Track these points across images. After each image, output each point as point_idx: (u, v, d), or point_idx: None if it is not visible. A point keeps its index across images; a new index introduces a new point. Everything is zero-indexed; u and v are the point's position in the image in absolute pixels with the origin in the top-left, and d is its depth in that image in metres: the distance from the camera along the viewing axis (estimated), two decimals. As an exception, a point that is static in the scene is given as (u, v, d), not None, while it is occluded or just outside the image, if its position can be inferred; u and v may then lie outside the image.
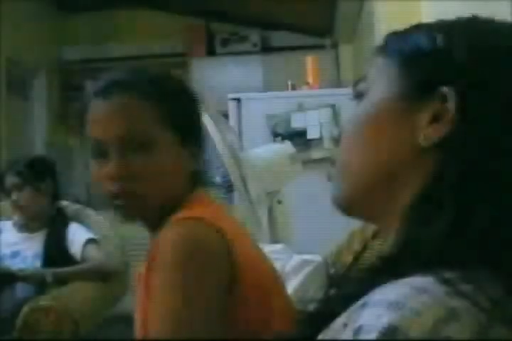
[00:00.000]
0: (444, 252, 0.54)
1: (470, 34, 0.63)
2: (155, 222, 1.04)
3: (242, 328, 0.94)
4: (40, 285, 2.59)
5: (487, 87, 0.59)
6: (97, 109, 1.03)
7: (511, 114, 0.58)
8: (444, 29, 0.64)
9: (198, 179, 1.10)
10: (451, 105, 0.60)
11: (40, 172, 2.82)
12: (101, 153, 1.02)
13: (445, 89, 0.60)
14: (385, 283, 0.53)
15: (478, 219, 0.55)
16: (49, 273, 2.62)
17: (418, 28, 0.67)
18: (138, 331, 1.03)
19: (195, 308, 0.90)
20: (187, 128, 1.07)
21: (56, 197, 2.90)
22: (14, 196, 2.75)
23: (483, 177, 0.57)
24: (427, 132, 0.61)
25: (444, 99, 0.60)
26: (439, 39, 0.63)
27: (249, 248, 1.02)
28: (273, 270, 1.06)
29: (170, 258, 0.92)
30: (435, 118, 0.61)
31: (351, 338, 0.49)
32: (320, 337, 0.56)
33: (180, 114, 1.06)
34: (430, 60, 0.62)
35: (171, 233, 0.95)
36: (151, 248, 0.98)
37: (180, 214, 0.98)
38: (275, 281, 1.04)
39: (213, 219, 0.97)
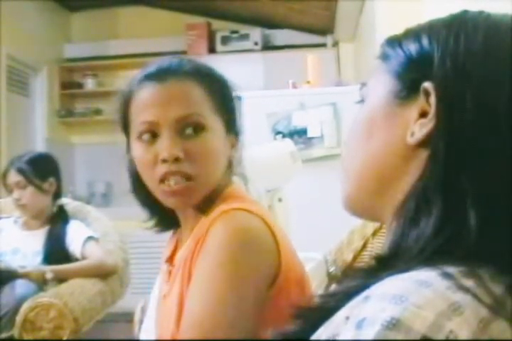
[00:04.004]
0: (433, 249, 0.55)
1: (450, 34, 0.63)
2: (197, 208, 1.05)
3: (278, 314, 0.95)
4: (40, 282, 2.59)
5: (463, 83, 0.60)
6: (151, 92, 1.03)
7: (489, 110, 0.58)
8: (429, 31, 0.66)
9: (233, 169, 1.12)
10: (433, 99, 0.61)
11: (43, 171, 2.80)
12: (152, 135, 1.02)
13: (427, 83, 0.61)
14: (387, 277, 0.54)
15: (468, 218, 0.56)
16: (49, 270, 2.62)
17: (408, 32, 0.69)
18: (166, 320, 1.03)
19: (242, 297, 0.91)
20: (230, 117, 1.09)
21: (58, 195, 2.89)
22: (16, 194, 2.74)
23: (468, 174, 0.57)
24: (414, 129, 0.62)
25: (427, 94, 0.61)
26: (424, 42, 0.64)
27: (287, 241, 1.03)
28: (303, 266, 1.07)
29: (223, 247, 0.93)
30: (422, 115, 0.62)
31: (353, 331, 0.50)
32: (321, 330, 0.56)
33: (226, 102, 1.08)
34: (417, 62, 0.64)
35: (222, 223, 0.95)
36: (195, 236, 1.00)
37: (228, 205, 0.99)
38: (307, 277, 1.06)
39: (259, 212, 0.99)
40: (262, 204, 1.13)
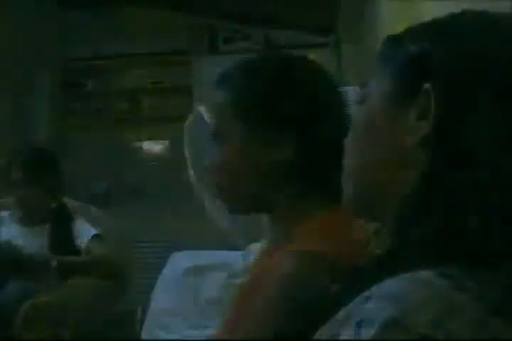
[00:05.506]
0: (433, 250, 0.55)
1: (449, 35, 0.63)
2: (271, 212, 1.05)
3: None
4: (42, 268, 2.57)
5: (464, 84, 0.60)
6: None
7: (488, 109, 0.58)
8: (429, 31, 0.66)
9: (303, 177, 1.02)
10: (433, 100, 0.61)
11: (45, 169, 2.81)
12: None
13: (427, 85, 0.61)
14: (387, 277, 0.54)
15: (468, 218, 0.56)
16: (54, 257, 2.60)
17: (409, 32, 0.68)
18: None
19: None
20: (257, 113, 1.03)
21: (59, 193, 2.89)
22: (19, 191, 2.74)
23: (468, 175, 0.57)
24: (414, 130, 0.62)
25: (427, 94, 0.61)
26: (425, 42, 0.64)
27: None
28: None
29: (278, 291, 0.91)
30: (422, 116, 0.62)
31: (353, 330, 0.50)
32: (321, 330, 0.56)
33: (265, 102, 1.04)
34: (417, 62, 0.64)
35: (285, 266, 0.93)
36: (263, 269, 1.00)
37: (301, 244, 0.95)
38: None
39: (327, 252, 0.92)
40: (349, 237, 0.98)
